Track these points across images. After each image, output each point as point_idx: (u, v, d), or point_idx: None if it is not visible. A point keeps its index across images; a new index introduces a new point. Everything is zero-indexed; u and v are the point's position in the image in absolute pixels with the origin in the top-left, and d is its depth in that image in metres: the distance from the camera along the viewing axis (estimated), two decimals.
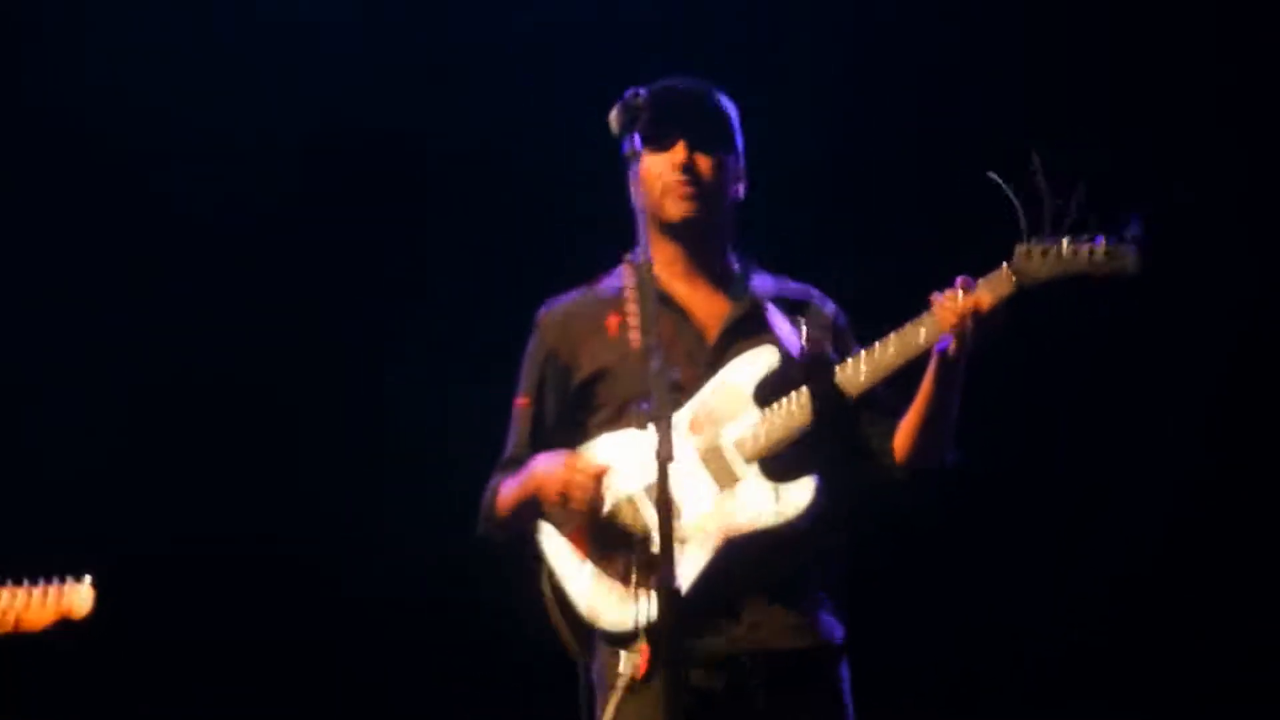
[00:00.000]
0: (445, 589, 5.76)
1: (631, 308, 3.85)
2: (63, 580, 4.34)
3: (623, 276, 4.05)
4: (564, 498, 3.82)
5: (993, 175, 3.71)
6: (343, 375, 5.97)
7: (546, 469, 3.88)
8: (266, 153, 5.87)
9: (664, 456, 3.32)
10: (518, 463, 4.01)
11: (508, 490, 3.99)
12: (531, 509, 3.94)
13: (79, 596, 4.34)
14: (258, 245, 5.91)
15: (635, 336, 3.78)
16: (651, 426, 3.32)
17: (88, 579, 4.35)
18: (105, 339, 5.86)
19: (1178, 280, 5.07)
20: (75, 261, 5.87)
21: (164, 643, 5.83)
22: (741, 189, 4.06)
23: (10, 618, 4.30)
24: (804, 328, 4.00)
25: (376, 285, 6.00)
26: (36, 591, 4.32)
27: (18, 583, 4.33)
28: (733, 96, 4.06)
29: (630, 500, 3.86)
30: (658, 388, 3.36)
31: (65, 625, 4.34)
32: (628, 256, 4.03)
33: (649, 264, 3.50)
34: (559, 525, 3.92)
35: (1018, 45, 5.73)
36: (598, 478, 3.81)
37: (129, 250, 5.91)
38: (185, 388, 5.92)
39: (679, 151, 3.95)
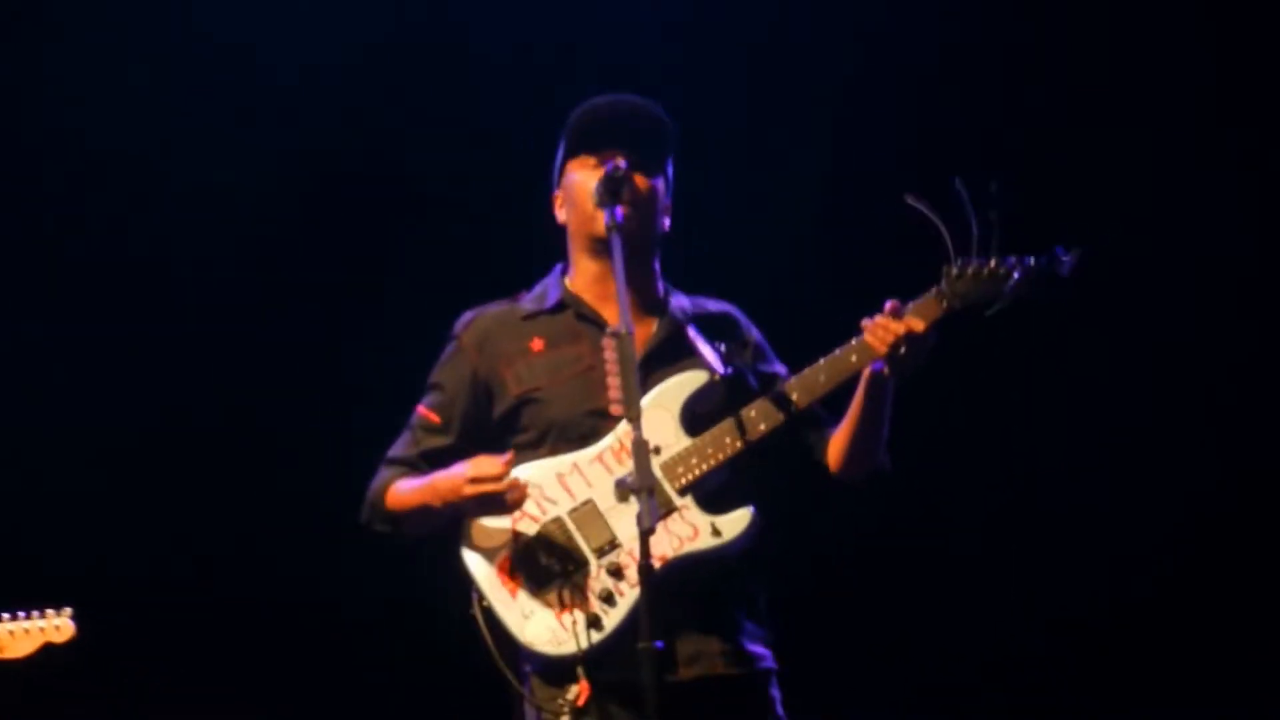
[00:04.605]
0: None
1: (613, 381, 3.83)
2: (43, 612, 4.65)
3: (547, 292, 4.03)
4: (476, 483, 3.74)
5: (911, 199, 3.72)
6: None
7: (450, 471, 3.82)
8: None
9: (646, 528, 3.36)
10: (409, 464, 3.96)
11: (406, 488, 3.92)
12: (427, 514, 3.86)
13: (61, 626, 4.65)
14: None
15: (615, 397, 3.81)
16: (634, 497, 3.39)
17: (68, 610, 4.65)
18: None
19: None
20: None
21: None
22: (668, 222, 4.02)
23: None
24: (725, 348, 3.98)
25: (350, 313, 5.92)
26: (19, 623, 4.63)
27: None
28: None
29: (559, 523, 3.83)
30: (639, 459, 3.40)
31: (47, 653, 4.65)
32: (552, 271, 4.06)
33: (629, 335, 3.53)
34: (486, 553, 3.85)
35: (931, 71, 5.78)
36: (506, 464, 3.75)
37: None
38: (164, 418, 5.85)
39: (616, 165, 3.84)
